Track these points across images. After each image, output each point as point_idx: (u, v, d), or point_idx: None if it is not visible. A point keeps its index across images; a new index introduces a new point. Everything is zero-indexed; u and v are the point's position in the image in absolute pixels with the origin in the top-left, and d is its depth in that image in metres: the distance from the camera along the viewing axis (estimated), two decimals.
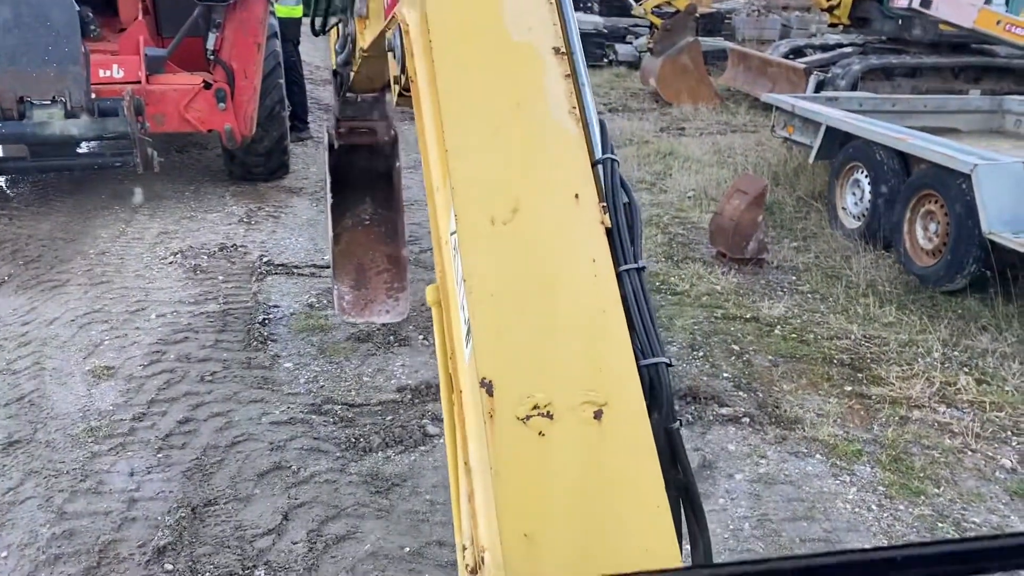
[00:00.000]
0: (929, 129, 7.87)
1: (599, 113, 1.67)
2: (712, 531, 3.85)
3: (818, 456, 4.44)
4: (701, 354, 5.45)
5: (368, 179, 5.36)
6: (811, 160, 8.17)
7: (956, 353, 5.55)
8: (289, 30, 9.64)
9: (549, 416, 1.22)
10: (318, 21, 4.93)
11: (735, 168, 9.42)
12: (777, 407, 4.87)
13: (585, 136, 1.55)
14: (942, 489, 4.18)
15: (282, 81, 8.24)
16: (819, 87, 11.40)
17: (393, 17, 2.16)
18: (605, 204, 1.45)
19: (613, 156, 1.55)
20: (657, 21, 13.73)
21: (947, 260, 6.29)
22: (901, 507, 4.04)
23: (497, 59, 1.55)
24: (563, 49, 1.59)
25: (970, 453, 4.49)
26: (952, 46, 12.29)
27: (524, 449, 1.21)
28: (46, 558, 3.52)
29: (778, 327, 5.87)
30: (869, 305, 6.20)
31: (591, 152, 1.53)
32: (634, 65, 15.88)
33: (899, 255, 6.86)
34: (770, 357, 5.46)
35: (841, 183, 7.79)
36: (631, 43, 17.21)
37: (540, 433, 1.21)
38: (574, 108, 1.54)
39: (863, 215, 7.44)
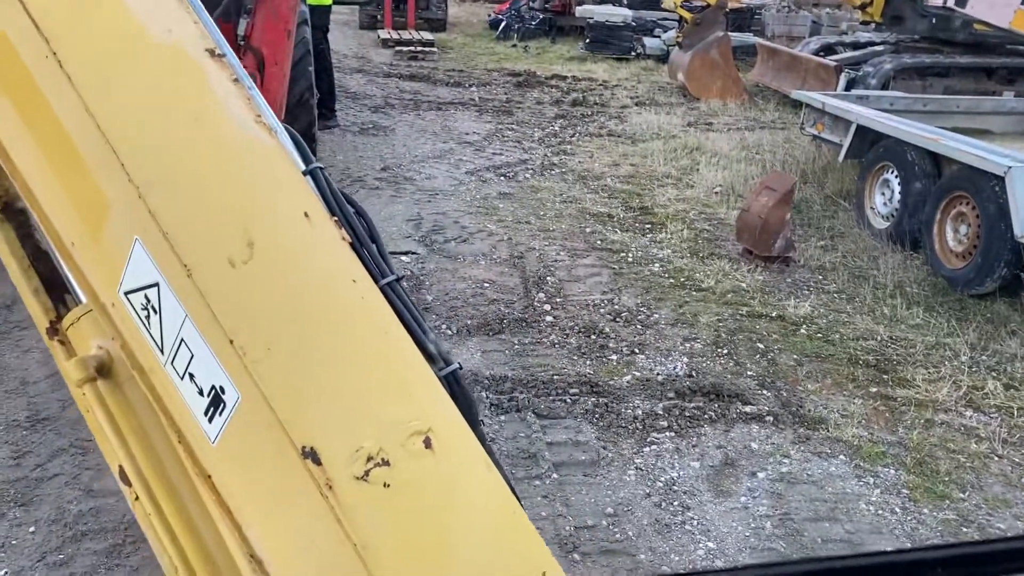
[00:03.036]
0: (961, 130, 7.76)
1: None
2: (733, 529, 3.86)
3: (842, 457, 4.41)
4: (725, 352, 5.42)
5: None
6: (840, 159, 8.09)
7: (984, 357, 5.49)
8: (319, 18, 9.67)
9: (386, 463, 1.10)
10: None
11: (763, 165, 9.35)
12: (801, 407, 4.84)
13: None
14: (967, 494, 4.14)
15: (311, 68, 8.27)
16: (850, 85, 11.27)
17: None
18: (336, 218, 1.29)
19: (319, 164, 1.39)
20: (686, 15, 13.63)
21: (977, 263, 6.21)
22: (925, 511, 4.01)
23: (147, 68, 1.27)
24: (217, 51, 1.35)
25: (996, 459, 4.44)
26: (986, 46, 12.11)
27: (377, 509, 1.09)
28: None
29: (804, 326, 5.82)
30: (896, 306, 6.14)
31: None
32: (662, 59, 15.79)
33: (928, 257, 6.78)
34: (795, 356, 5.42)
35: (870, 182, 7.71)
36: (659, 36, 17.10)
37: (385, 484, 1.09)
38: (259, 116, 1.31)
39: (892, 215, 7.36)
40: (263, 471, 1.13)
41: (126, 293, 1.20)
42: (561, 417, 4.60)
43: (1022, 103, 9.47)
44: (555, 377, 4.97)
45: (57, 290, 1.61)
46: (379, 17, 18.68)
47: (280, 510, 1.13)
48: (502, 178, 8.91)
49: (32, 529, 3.61)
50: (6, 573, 3.39)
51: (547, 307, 5.88)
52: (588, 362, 5.18)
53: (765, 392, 5.00)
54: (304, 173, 1.32)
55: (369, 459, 1.09)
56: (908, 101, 9.00)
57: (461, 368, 1.29)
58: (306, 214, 1.23)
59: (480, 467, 1.19)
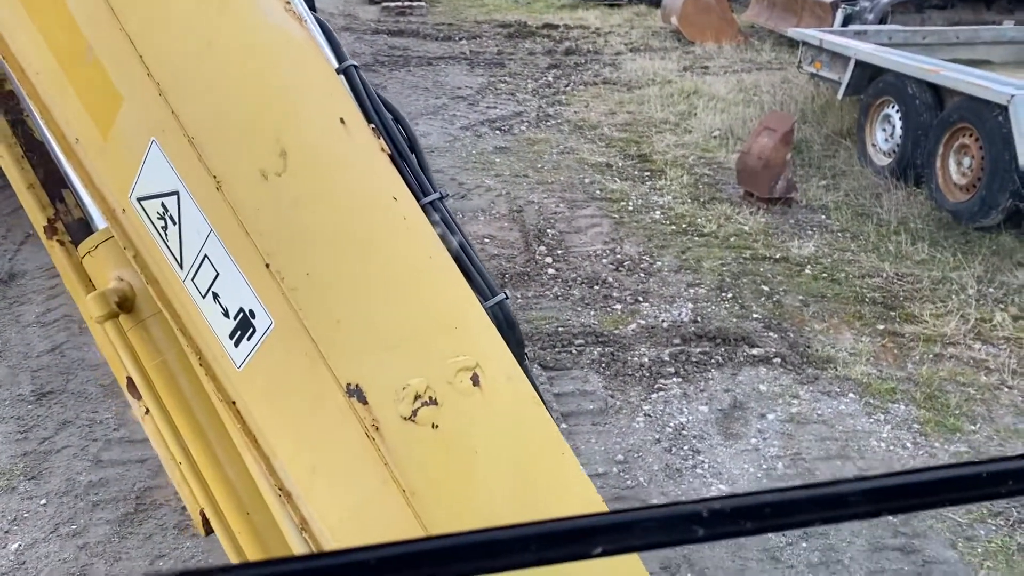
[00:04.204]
0: (961, 62, 7.62)
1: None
2: (745, 471, 3.85)
3: (851, 395, 4.39)
4: (730, 295, 5.37)
5: None
6: (840, 96, 7.96)
7: (991, 290, 5.44)
8: None
9: (434, 402, 1.03)
10: None
11: (761, 106, 9.21)
12: (808, 347, 4.81)
13: None
14: (978, 426, 4.13)
15: None
16: (846, 21, 11.05)
17: None
18: (374, 126, 1.19)
19: (353, 63, 1.25)
20: None
21: (981, 195, 6.14)
22: (937, 444, 4.00)
23: None
24: None
25: (1006, 390, 4.41)
26: None
27: (426, 451, 1.03)
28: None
29: (808, 267, 5.77)
30: (901, 243, 6.07)
31: None
32: (655, 3, 15.50)
33: (931, 191, 6.70)
34: (800, 297, 5.37)
35: (871, 119, 7.59)
36: None
37: (433, 425, 1.03)
38: (288, 3, 1.17)
39: (894, 151, 7.26)
40: (298, 404, 1.07)
41: (139, 199, 1.10)
42: (567, 368, 4.58)
43: (1022, 32, 9.29)
44: (560, 329, 4.94)
45: (54, 185, 1.50)
46: None
47: (317, 447, 1.07)
48: (497, 132, 8.79)
49: (43, 502, 3.61)
50: (20, 546, 3.39)
51: (549, 260, 5.83)
52: (592, 312, 5.14)
53: (771, 334, 4.96)
54: (337, 71, 1.21)
55: (417, 398, 1.03)
56: (907, 34, 8.83)
57: (507, 299, 1.21)
58: (342, 120, 1.12)
59: (529, 405, 1.14)
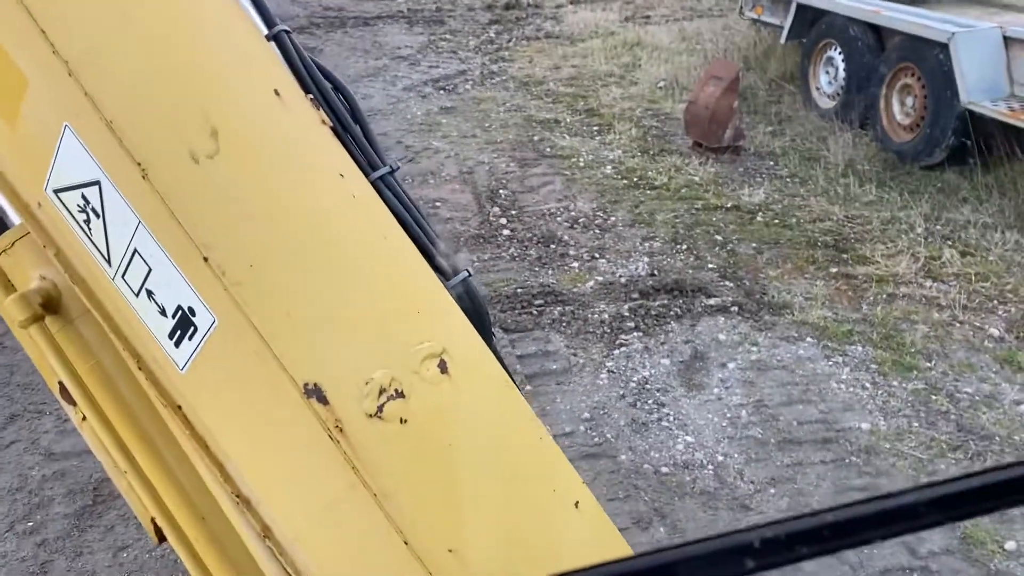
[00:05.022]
0: (900, 1, 7.66)
1: None
2: (709, 421, 3.88)
3: (809, 340, 4.44)
4: (684, 247, 5.38)
5: None
6: (782, 41, 7.96)
7: (939, 227, 5.53)
8: None
9: (401, 395, 0.97)
10: None
11: (704, 55, 9.18)
12: (764, 294, 4.85)
13: None
14: (934, 363, 4.21)
15: None
16: None
17: None
18: (312, 96, 1.10)
19: (284, 27, 1.15)
20: None
21: (926, 134, 6.21)
22: (895, 383, 4.07)
23: None
24: None
25: (959, 325, 4.51)
26: None
27: (396, 451, 0.96)
28: None
29: (760, 214, 5.80)
30: (849, 185, 6.13)
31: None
32: None
33: (876, 133, 6.76)
34: (754, 245, 5.40)
35: (814, 62, 7.61)
36: None
37: (402, 420, 0.96)
38: None
39: (838, 94, 7.30)
40: (251, 406, 0.99)
41: (56, 191, 1.00)
42: (529, 329, 4.54)
43: None
44: (519, 291, 4.89)
45: None
46: None
47: (276, 451, 1.00)
48: (442, 92, 8.63)
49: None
50: None
51: (503, 220, 5.76)
52: (550, 272, 5.10)
53: (727, 283, 4.99)
54: (267, 38, 1.11)
55: (382, 392, 0.96)
56: None
57: (471, 275, 1.14)
58: (276, 92, 1.02)
59: (501, 388, 1.07)
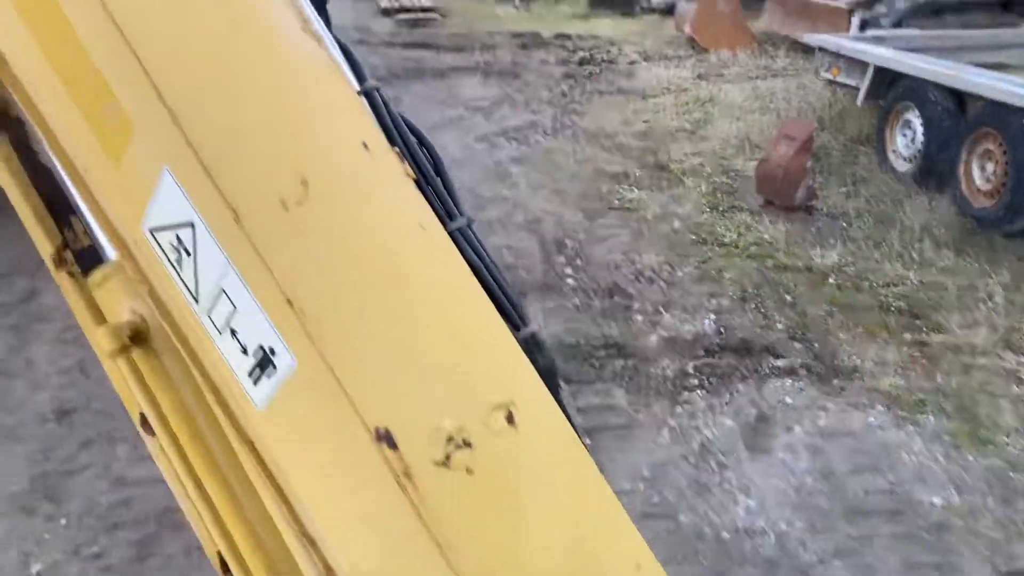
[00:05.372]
0: (980, 66, 7.53)
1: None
2: (773, 486, 3.78)
3: (879, 407, 4.31)
4: (753, 306, 5.31)
5: None
6: (859, 102, 7.88)
7: (1019, 297, 5.35)
8: None
9: (468, 444, 0.97)
10: None
11: (778, 113, 9.15)
12: (834, 357, 4.74)
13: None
14: (1012, 438, 4.04)
15: None
16: (863, 27, 10.98)
17: None
18: (398, 149, 1.12)
19: (375, 83, 1.18)
20: None
21: (1006, 201, 6.04)
22: (970, 457, 3.91)
23: None
24: None
25: None
26: None
27: (461, 499, 0.96)
28: None
29: (832, 276, 5.70)
30: (925, 250, 5.99)
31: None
32: (668, 11, 15.46)
33: (954, 197, 6.61)
34: (825, 307, 5.30)
35: (891, 124, 7.51)
36: None
37: (467, 470, 0.96)
38: (307, 22, 1.11)
39: (915, 157, 7.18)
40: (323, 448, 1.00)
41: (152, 230, 1.04)
42: (590, 381, 4.52)
43: None
44: (581, 341, 4.88)
45: (62, 211, 1.42)
46: None
47: (344, 493, 1.01)
48: (513, 142, 8.76)
49: (64, 522, 3.58)
50: (41, 569, 3.36)
51: (568, 270, 5.78)
52: (614, 324, 5.08)
53: (796, 345, 4.90)
54: (359, 94, 1.15)
55: (449, 440, 0.96)
56: (925, 39, 8.76)
57: (541, 329, 1.16)
58: (364, 144, 1.05)
59: (567, 444, 1.06)
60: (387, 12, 16.48)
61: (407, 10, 16.16)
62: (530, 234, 6.41)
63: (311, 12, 1.15)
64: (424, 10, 16.15)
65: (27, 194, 1.40)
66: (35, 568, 3.36)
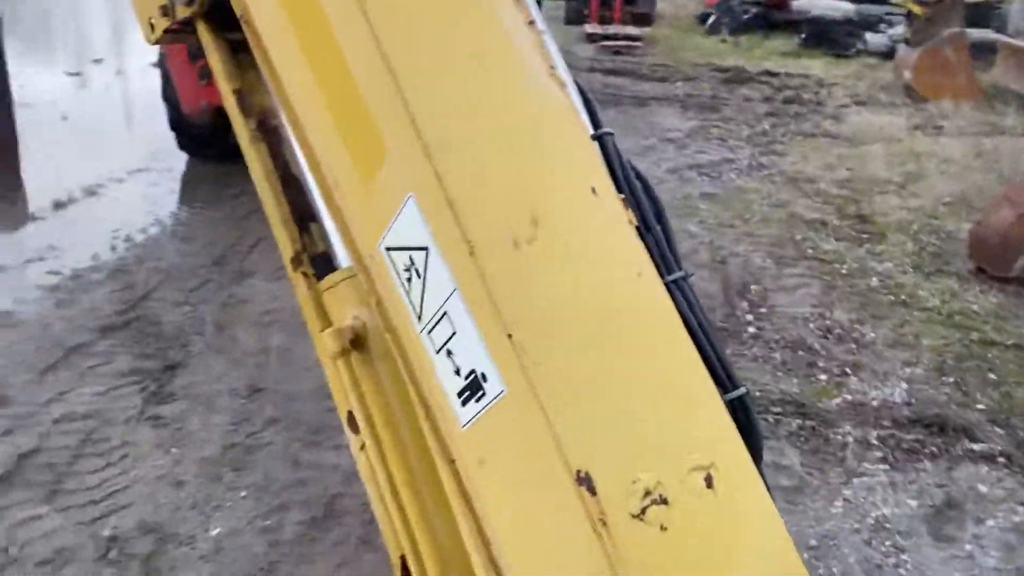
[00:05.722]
0: None
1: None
2: None
3: None
4: (951, 380, 4.90)
5: None
6: None
7: None
8: None
9: (664, 501, 0.97)
10: None
11: (1001, 175, 8.44)
12: None
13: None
14: None
15: None
16: None
17: None
18: (623, 196, 1.14)
19: (609, 130, 1.20)
20: (917, 9, 12.59)
21: None
22: None
23: (441, 4, 1.11)
24: None
25: None
26: None
27: (652, 556, 0.95)
28: None
29: None
30: None
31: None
32: (887, 55, 14.69)
33: None
34: None
35: None
36: (884, 32, 15.94)
37: (662, 527, 0.96)
38: (553, 68, 1.14)
39: None
40: (521, 478, 1.03)
41: (388, 249, 1.12)
42: (764, 438, 4.33)
43: None
44: (757, 393, 4.70)
45: (304, 219, 1.57)
46: (585, 12, 18.66)
47: (537, 527, 1.02)
48: (705, 178, 8.60)
49: (244, 494, 3.85)
50: (219, 532, 3.62)
51: (750, 317, 5.59)
52: (794, 380, 4.86)
53: (997, 429, 4.47)
54: (592, 138, 1.19)
55: (647, 494, 0.97)
56: None
57: (749, 393, 1.13)
58: (593, 190, 1.09)
59: (764, 515, 1.05)
60: (592, 38, 16.70)
61: (612, 37, 16.30)
62: (713, 274, 6.26)
63: (558, 57, 1.19)
64: (629, 38, 16.23)
65: (277, 199, 1.55)
66: (214, 531, 3.63)
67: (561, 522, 0.98)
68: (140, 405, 4.42)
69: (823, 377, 4.89)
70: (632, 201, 1.16)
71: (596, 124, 1.22)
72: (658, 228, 1.18)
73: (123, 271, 5.90)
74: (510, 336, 0.99)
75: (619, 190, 1.16)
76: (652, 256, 1.14)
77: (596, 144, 1.19)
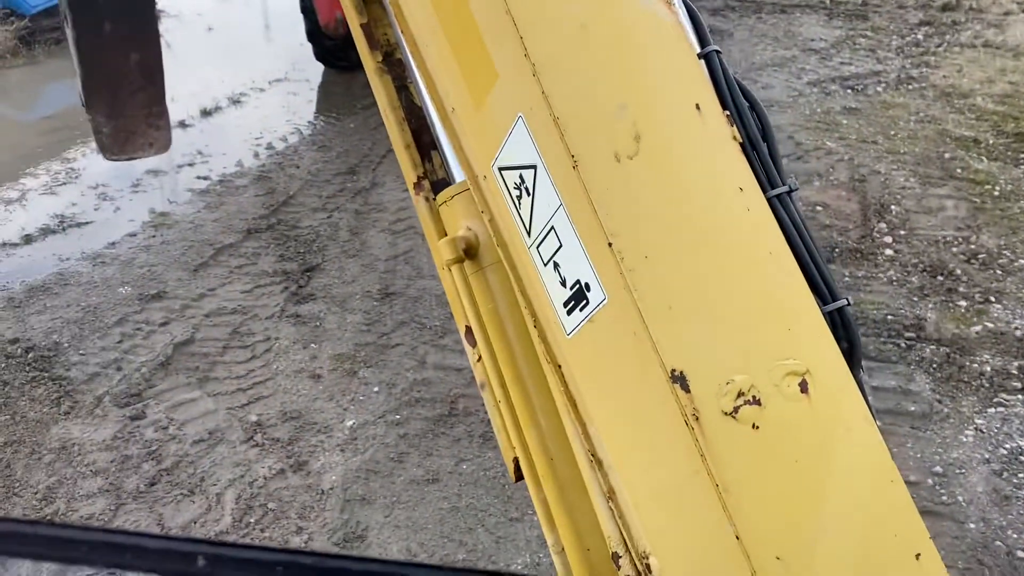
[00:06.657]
0: None
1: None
2: None
3: None
4: None
5: None
6: None
7: None
8: None
9: (757, 402, 1.00)
10: None
11: None
12: None
13: None
14: None
15: None
16: None
17: None
18: (728, 113, 1.14)
19: (716, 47, 1.19)
20: None
21: None
22: None
23: None
24: None
25: None
26: None
27: (743, 452, 0.99)
28: None
29: None
30: None
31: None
32: None
33: None
34: None
35: None
36: None
37: (753, 426, 1.00)
38: None
39: None
40: (621, 379, 1.09)
41: (500, 168, 1.18)
42: (892, 362, 4.21)
43: None
44: (889, 317, 4.54)
45: (425, 146, 1.68)
46: None
47: (634, 423, 1.09)
48: (848, 91, 8.14)
49: (376, 389, 4.09)
50: (354, 424, 3.88)
51: (888, 239, 5.35)
52: (930, 305, 4.66)
53: None
54: (699, 56, 1.20)
55: (740, 395, 1.00)
56: None
57: (850, 304, 1.14)
58: (697, 106, 1.11)
59: (859, 422, 1.06)
60: None
61: None
62: (851, 194, 5.99)
63: None
64: None
65: (401, 127, 1.68)
66: (349, 422, 3.89)
67: (656, 418, 1.04)
68: (282, 303, 4.72)
69: (963, 303, 4.67)
70: (737, 118, 1.16)
71: (704, 42, 1.21)
72: (763, 145, 1.18)
73: (265, 177, 6.22)
74: (610, 244, 1.05)
75: (725, 107, 1.17)
76: (755, 172, 1.15)
77: (703, 61, 1.20)
